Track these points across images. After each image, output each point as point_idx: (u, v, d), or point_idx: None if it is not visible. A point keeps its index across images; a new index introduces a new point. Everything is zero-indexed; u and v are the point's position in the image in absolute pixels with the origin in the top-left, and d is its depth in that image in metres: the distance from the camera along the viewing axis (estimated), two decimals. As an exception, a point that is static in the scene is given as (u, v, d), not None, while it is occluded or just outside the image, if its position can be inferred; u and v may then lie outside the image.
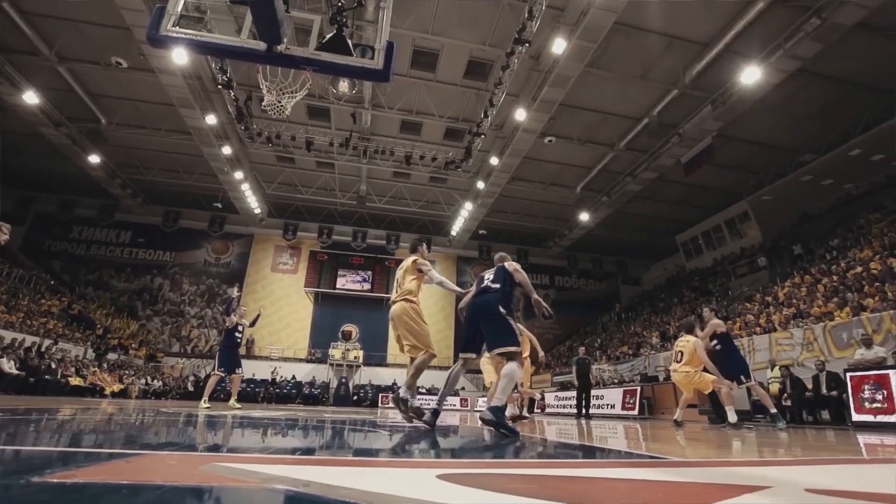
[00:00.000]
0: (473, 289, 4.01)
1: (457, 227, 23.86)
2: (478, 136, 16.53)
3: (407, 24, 12.84)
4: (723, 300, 17.75)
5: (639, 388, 12.71)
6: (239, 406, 8.47)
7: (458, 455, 1.84)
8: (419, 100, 16.20)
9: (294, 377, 21.92)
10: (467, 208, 21.82)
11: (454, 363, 3.65)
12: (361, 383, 22.67)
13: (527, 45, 12.56)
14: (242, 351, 8.61)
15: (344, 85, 13.09)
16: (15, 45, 13.91)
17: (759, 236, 19.82)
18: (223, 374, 8.02)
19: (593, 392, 12.83)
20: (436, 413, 3.94)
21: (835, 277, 12.22)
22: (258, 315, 9.20)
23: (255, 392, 20.01)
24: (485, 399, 22.50)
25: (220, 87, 14.70)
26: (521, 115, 15.08)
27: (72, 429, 2.56)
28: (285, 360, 22.82)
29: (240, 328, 8.33)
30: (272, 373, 21.27)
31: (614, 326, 23.90)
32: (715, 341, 6.81)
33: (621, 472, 1.60)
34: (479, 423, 3.85)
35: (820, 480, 1.54)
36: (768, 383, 9.82)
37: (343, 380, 22.34)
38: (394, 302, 4.30)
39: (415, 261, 4.42)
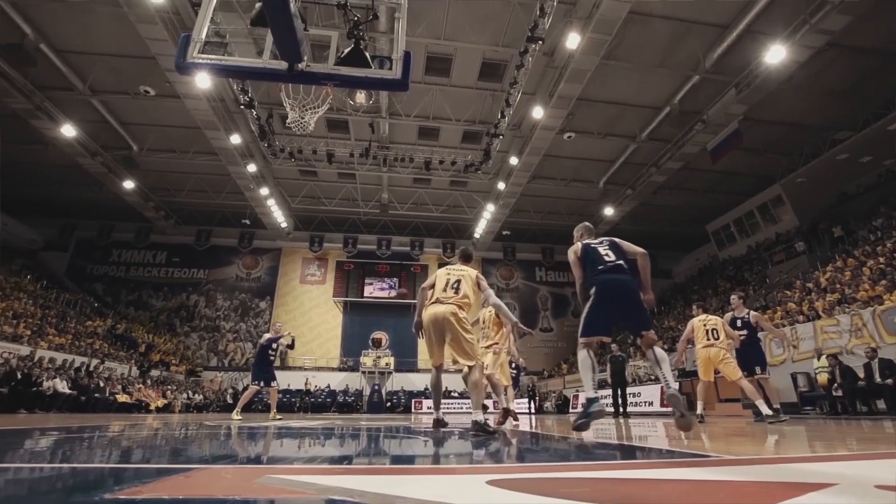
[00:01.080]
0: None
1: (480, 230, 23.81)
2: (496, 137, 16.48)
3: (419, 31, 12.95)
4: (760, 288, 17.12)
5: (677, 384, 12.35)
6: (279, 417, 8.64)
7: (504, 460, 1.83)
8: (435, 105, 16.29)
9: (328, 386, 22.25)
10: (489, 210, 21.76)
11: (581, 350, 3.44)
12: (394, 390, 22.82)
13: (540, 42, 12.47)
14: (277, 362, 8.78)
15: (361, 96, 13.27)
16: (52, 83, 14.69)
17: (794, 220, 19.04)
18: (259, 387, 8.20)
19: (629, 390, 12.55)
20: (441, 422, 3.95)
21: (881, 259, 11.62)
22: (293, 340, 9.21)
23: (291, 402, 20.39)
24: (518, 401, 22.19)
25: (242, 107, 15.14)
26: (538, 112, 14.97)
27: (127, 445, 2.67)
28: (318, 369, 23.20)
29: (274, 345, 8.46)
30: (306, 383, 21.65)
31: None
32: (745, 331, 6.52)
33: (674, 472, 1.56)
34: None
35: (889, 476, 1.47)
36: (815, 373, 9.41)
37: (376, 387, 22.53)
38: (444, 302, 4.02)
39: (478, 275, 4.35)
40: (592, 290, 3.48)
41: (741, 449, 2.65)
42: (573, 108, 15.05)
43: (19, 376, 11.25)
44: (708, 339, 6.27)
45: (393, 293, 25.07)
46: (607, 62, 13.57)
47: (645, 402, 13.60)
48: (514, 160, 17.97)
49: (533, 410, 19.04)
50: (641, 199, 20.63)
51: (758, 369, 6.40)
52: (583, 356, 3.49)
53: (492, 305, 4.34)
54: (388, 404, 21.92)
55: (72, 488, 1.18)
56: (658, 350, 3.41)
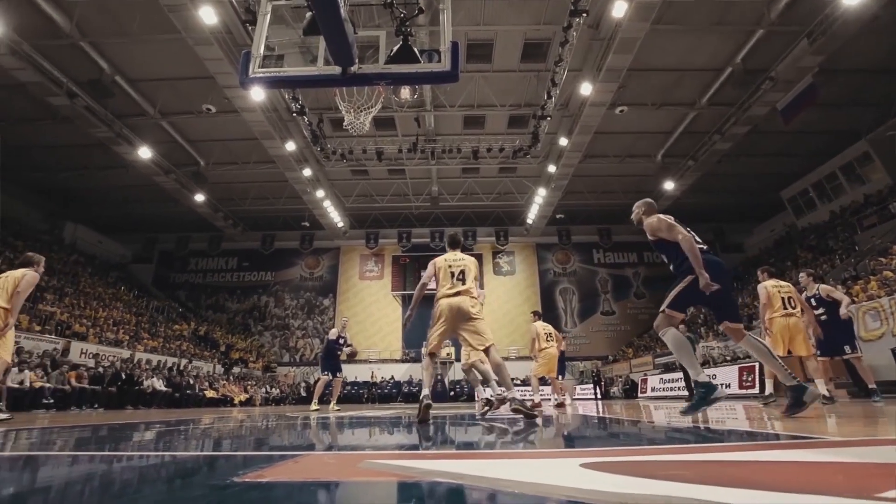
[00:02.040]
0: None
1: (532, 215, 23.43)
2: (543, 119, 16.07)
3: (458, 19, 12.83)
4: (849, 257, 15.57)
5: (757, 364, 11.58)
6: (338, 409, 9.00)
7: (595, 444, 1.82)
8: (479, 93, 16.14)
9: (392, 377, 22.99)
10: (541, 194, 21.33)
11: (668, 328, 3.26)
12: (456, 379, 23.14)
13: (584, 14, 11.98)
14: (343, 356, 9.16)
15: (405, 92, 13.42)
16: (128, 110, 16.07)
17: (886, 179, 17.07)
18: (329, 378, 8.61)
19: (707, 371, 11.89)
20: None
21: None
22: (354, 352, 9.51)
23: (360, 393, 21.28)
24: (582, 387, 21.78)
25: (294, 114, 15.80)
26: (586, 89, 14.41)
27: (231, 435, 2.93)
28: (383, 361, 24.00)
29: (340, 340, 8.82)
30: (371, 375, 22.49)
31: (734, 291, 21.96)
32: (820, 309, 5.93)
33: (777, 454, 1.48)
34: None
35: None
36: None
37: (438, 376, 22.94)
38: (460, 294, 4.24)
39: (476, 263, 4.54)
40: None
41: (845, 430, 2.46)
42: (624, 80, 14.33)
43: (123, 377, 12.56)
44: (785, 308, 5.67)
45: (449, 284, 25.30)
46: (658, 27, 12.77)
47: (722, 385, 12.85)
48: (563, 141, 17.46)
49: (599, 396, 18.63)
50: (704, 170, 19.35)
51: (847, 348, 5.83)
52: (675, 334, 3.28)
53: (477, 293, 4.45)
54: (452, 393, 22.29)
55: (205, 473, 1.33)
56: (752, 339, 3.20)
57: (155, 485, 1.18)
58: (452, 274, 4.33)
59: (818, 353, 5.78)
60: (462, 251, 4.63)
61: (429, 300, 4.51)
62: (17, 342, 10.85)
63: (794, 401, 3.15)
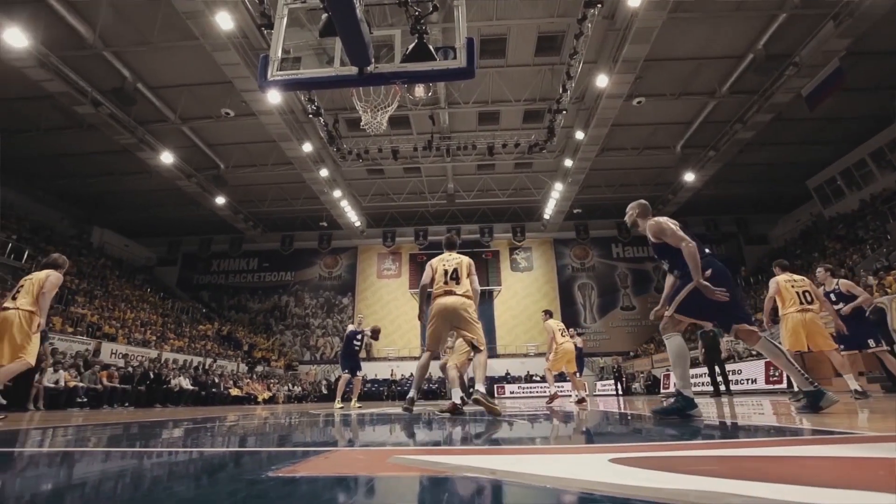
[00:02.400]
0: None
1: (549, 210, 23.24)
2: (559, 112, 15.90)
3: (470, 15, 12.74)
4: (880, 247, 15.03)
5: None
6: (359, 405, 9.09)
7: (623, 439, 1.81)
8: (493, 88, 16.05)
9: (412, 374, 23.07)
10: (557, 189, 21.14)
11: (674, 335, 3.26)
12: (472, 375, 23.16)
13: (599, 5, 11.83)
14: (363, 354, 9.22)
15: (420, 90, 13.44)
16: (150, 117, 16.47)
17: (921, 164, 16.43)
18: (349, 376, 8.69)
19: (729, 367, 11.67)
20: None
21: None
22: (375, 332, 9.14)
23: (380, 391, 21.46)
24: (603, 383, 21.59)
25: (310, 116, 15.97)
26: (602, 81, 14.21)
27: (259, 431, 3.01)
28: (402, 359, 24.16)
29: (358, 336, 8.86)
30: (391, 373, 22.68)
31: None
32: (839, 304, 5.78)
33: (812, 449, 1.45)
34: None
35: None
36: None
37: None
38: (454, 294, 4.30)
39: (470, 262, 4.56)
40: (709, 272, 3.14)
41: (880, 426, 2.39)
42: (641, 71, 14.09)
43: (152, 376, 12.92)
44: (801, 303, 5.50)
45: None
46: (675, 15, 12.50)
47: (747, 380, 12.59)
48: (580, 134, 17.26)
49: (620, 392, 18.42)
50: (726, 161, 18.90)
51: (871, 342, 5.69)
52: (679, 342, 3.25)
53: (472, 290, 4.43)
54: (471, 390, 22.30)
55: (240, 468, 1.36)
56: (768, 342, 3.10)
57: (194, 480, 1.22)
58: (446, 272, 4.42)
59: (841, 347, 5.63)
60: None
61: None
62: (51, 343, 11.28)
63: (811, 405, 3.10)
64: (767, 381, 11.59)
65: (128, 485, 1.18)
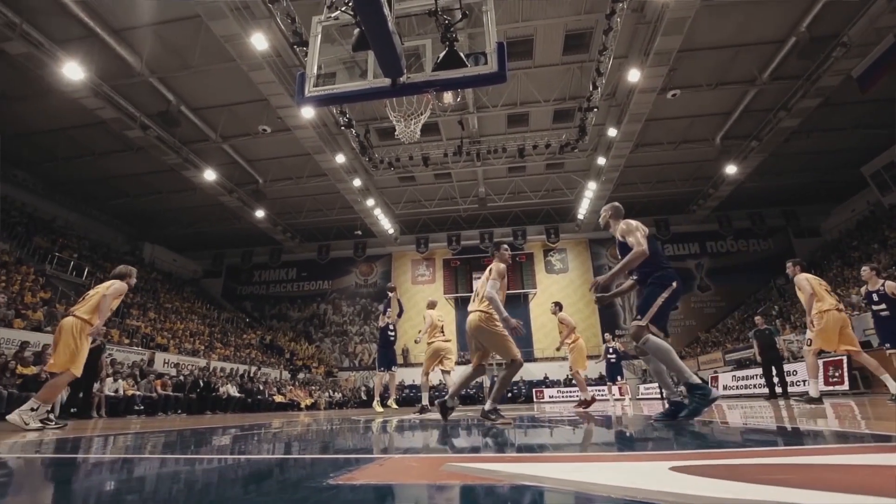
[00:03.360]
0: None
1: (583, 210, 22.82)
2: (589, 111, 15.62)
3: (496, 17, 12.68)
4: (951, 234, 13.90)
5: (844, 358, 10.57)
6: (396, 407, 9.00)
7: (680, 446, 1.75)
8: (522, 90, 15.96)
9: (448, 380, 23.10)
10: (591, 188, 20.74)
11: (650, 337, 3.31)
12: (514, 380, 22.93)
13: (628, -1, 11.56)
14: (400, 360, 9.23)
15: (448, 96, 13.45)
16: (193, 137, 17.32)
17: None
18: (385, 373, 8.50)
19: (785, 367, 11.01)
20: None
21: None
22: (400, 308, 8.90)
23: (419, 396, 21.53)
24: (646, 386, 20.92)
25: (342, 128, 16.36)
26: (634, 75, 13.86)
27: (308, 438, 3.09)
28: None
29: (391, 327, 8.63)
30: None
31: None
32: (882, 305, 5.71)
33: (883, 457, 1.36)
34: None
35: None
36: None
37: (495, 378, 22.83)
38: (469, 312, 4.28)
39: (490, 268, 4.39)
40: (674, 283, 3.31)
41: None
42: (674, 63, 13.67)
43: (201, 384, 13.50)
44: (836, 301, 5.48)
45: (500, 285, 25.16)
46: (709, 2, 12.08)
47: (804, 381, 11.85)
48: (612, 131, 16.89)
49: (664, 395, 17.77)
50: (770, 150, 18.00)
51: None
52: (657, 341, 3.26)
53: (485, 296, 4.18)
54: (510, 395, 22.07)
55: (298, 475, 1.41)
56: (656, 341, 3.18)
57: (261, 487, 1.27)
58: (476, 291, 4.42)
59: (887, 346, 5.64)
60: (512, 250, 4.64)
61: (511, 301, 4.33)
62: (109, 354, 11.98)
63: (672, 415, 3.16)
64: (827, 383, 10.89)
65: (196, 492, 1.24)
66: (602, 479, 1.11)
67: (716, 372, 16.52)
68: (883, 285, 5.80)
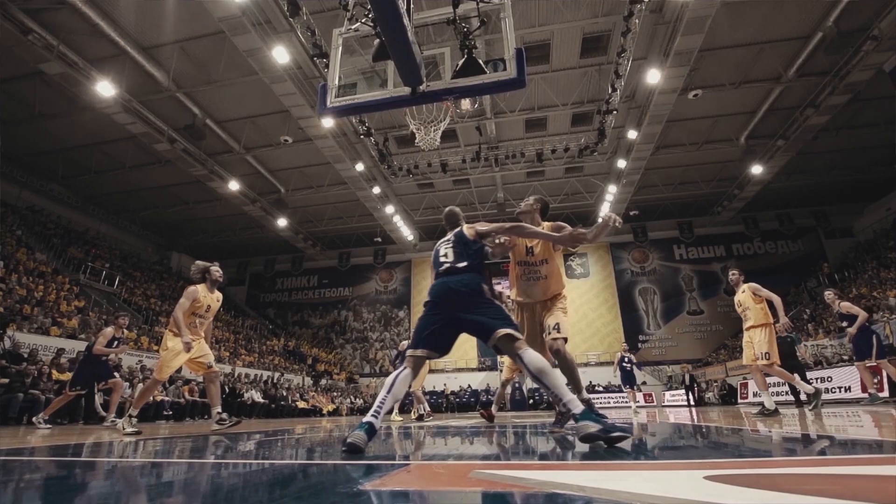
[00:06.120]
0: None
1: (603, 213, 22.51)
2: (608, 113, 15.46)
3: (513, 23, 12.78)
4: None
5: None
6: (401, 419, 9.07)
7: (713, 455, 1.71)
8: (539, 94, 15.93)
9: (469, 386, 23.02)
10: (611, 191, 20.47)
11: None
12: (535, 387, 22.67)
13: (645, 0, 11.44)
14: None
15: (466, 103, 13.56)
16: (217, 149, 17.82)
17: None
18: None
19: (817, 374, 10.65)
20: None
21: None
22: None
23: (439, 403, 21.52)
24: (672, 392, 20.39)
25: (361, 136, 16.59)
26: (653, 76, 13.69)
27: (334, 443, 3.12)
28: (459, 370, 24.14)
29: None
30: (444, 387, 22.73)
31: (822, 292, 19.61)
32: (844, 322, 6.94)
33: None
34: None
35: None
36: None
37: (517, 384, 22.58)
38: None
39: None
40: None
41: None
42: (695, 62, 13.44)
43: (227, 390, 13.76)
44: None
45: (520, 290, 24.98)
46: (730, 0, 11.87)
47: (840, 388, 11.41)
48: (632, 134, 16.67)
49: (692, 402, 17.31)
50: (798, 149, 17.48)
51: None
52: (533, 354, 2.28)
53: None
54: (531, 401, 21.85)
55: (329, 480, 1.43)
56: (530, 355, 2.20)
57: (294, 492, 1.29)
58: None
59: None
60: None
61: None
62: (139, 360, 12.32)
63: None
64: (864, 390, 10.43)
65: (222, 497, 1.27)
66: (635, 488, 1.09)
67: (745, 378, 16.02)
68: (839, 306, 7.20)
